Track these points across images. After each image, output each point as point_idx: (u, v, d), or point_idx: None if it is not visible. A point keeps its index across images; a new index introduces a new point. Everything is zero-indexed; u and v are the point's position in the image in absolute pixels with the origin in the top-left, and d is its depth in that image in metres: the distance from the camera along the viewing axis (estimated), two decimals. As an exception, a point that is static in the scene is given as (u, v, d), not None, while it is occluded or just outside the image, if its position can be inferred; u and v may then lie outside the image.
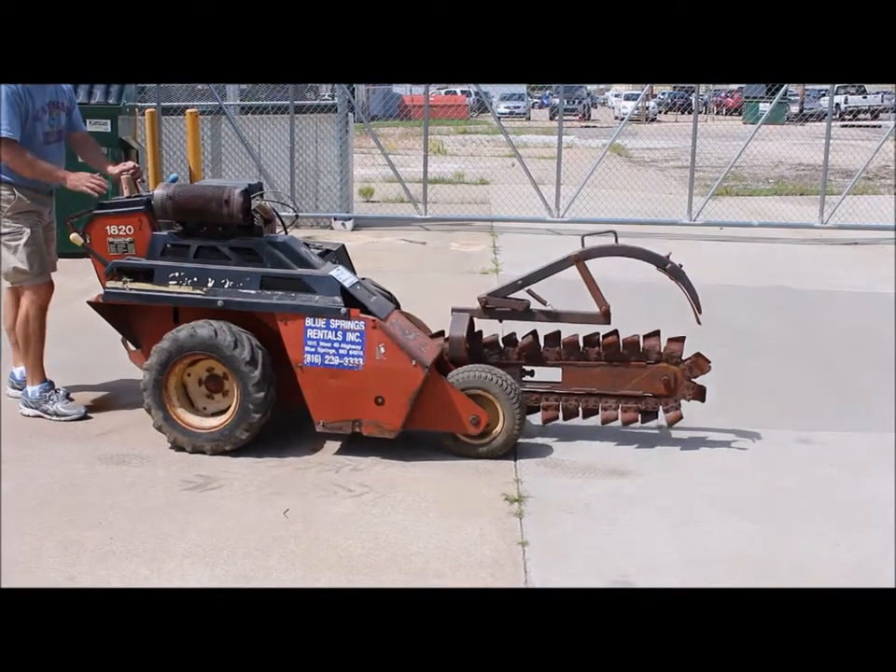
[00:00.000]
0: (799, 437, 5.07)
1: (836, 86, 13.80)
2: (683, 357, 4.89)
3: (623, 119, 17.39)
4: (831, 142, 11.88)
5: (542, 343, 4.98)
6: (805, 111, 30.30)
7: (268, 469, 4.54)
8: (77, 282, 6.96)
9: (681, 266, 5.03)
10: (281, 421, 4.83)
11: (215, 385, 4.71)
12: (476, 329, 5.04)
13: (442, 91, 34.81)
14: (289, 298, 4.57)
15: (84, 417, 5.15)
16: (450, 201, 12.94)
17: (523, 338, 5.01)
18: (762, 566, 3.72)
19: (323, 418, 4.63)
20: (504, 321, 5.15)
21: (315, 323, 4.53)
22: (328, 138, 11.94)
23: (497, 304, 4.97)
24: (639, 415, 4.89)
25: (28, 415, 5.18)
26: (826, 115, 12.98)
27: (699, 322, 5.05)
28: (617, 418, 4.89)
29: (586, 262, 4.99)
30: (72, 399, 5.26)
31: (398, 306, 4.90)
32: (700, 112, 13.29)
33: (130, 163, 5.31)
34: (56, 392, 5.21)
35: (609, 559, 3.76)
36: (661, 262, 5.01)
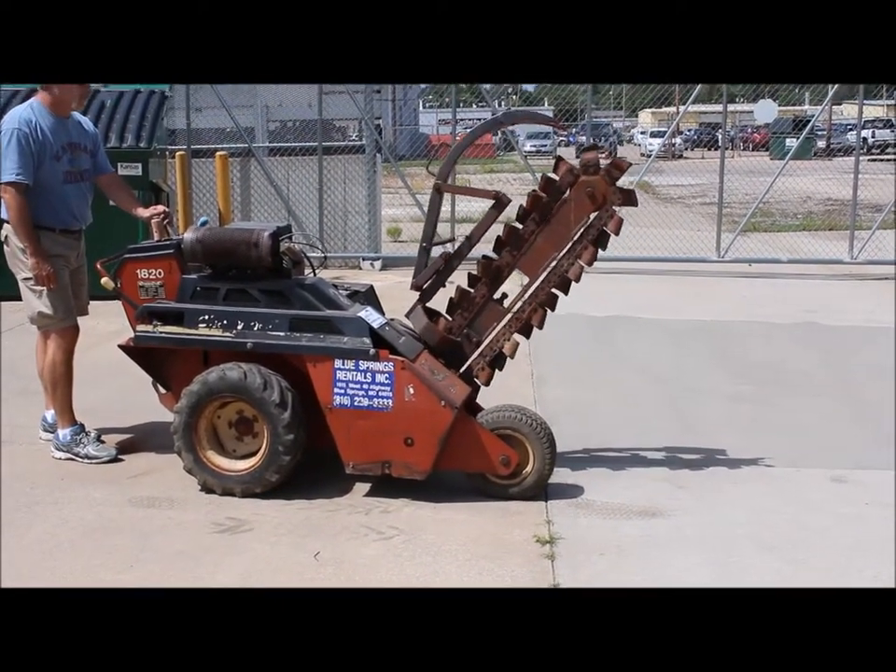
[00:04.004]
0: (833, 475, 5.01)
1: (863, 120, 13.79)
2: (601, 165, 4.64)
3: (649, 156, 17.41)
4: (859, 176, 11.85)
5: (495, 256, 4.79)
6: (832, 146, 30.24)
7: (298, 512, 4.53)
8: (108, 324, 7.04)
9: (510, 108, 4.99)
10: (310, 463, 4.83)
11: (245, 428, 4.72)
12: (441, 310, 4.91)
13: (469, 131, 34.88)
14: (318, 339, 4.58)
15: (115, 460, 5.18)
16: (478, 239, 12.94)
17: (477, 266, 4.81)
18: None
19: (352, 460, 4.63)
20: (447, 284, 4.94)
21: (344, 364, 4.54)
22: (356, 179, 12.06)
23: (426, 278, 4.83)
24: (594, 248, 4.67)
25: (60, 458, 5.20)
26: (854, 149, 12.95)
27: (563, 128, 5.03)
28: (582, 267, 4.69)
29: (446, 181, 4.85)
30: (103, 442, 5.28)
31: (426, 346, 4.90)
32: (726, 148, 13.30)
33: (160, 207, 5.37)
34: (87, 435, 5.24)
35: (641, 602, 3.71)
36: (495, 123, 4.93)
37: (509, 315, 4.80)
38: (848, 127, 34.48)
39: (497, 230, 4.79)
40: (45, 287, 5.07)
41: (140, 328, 4.79)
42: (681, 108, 17.00)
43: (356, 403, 4.55)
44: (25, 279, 5.13)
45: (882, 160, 27.46)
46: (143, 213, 5.33)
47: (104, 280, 4.93)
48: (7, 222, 5.09)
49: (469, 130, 5.55)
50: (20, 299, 5.29)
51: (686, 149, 35.27)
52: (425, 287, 4.84)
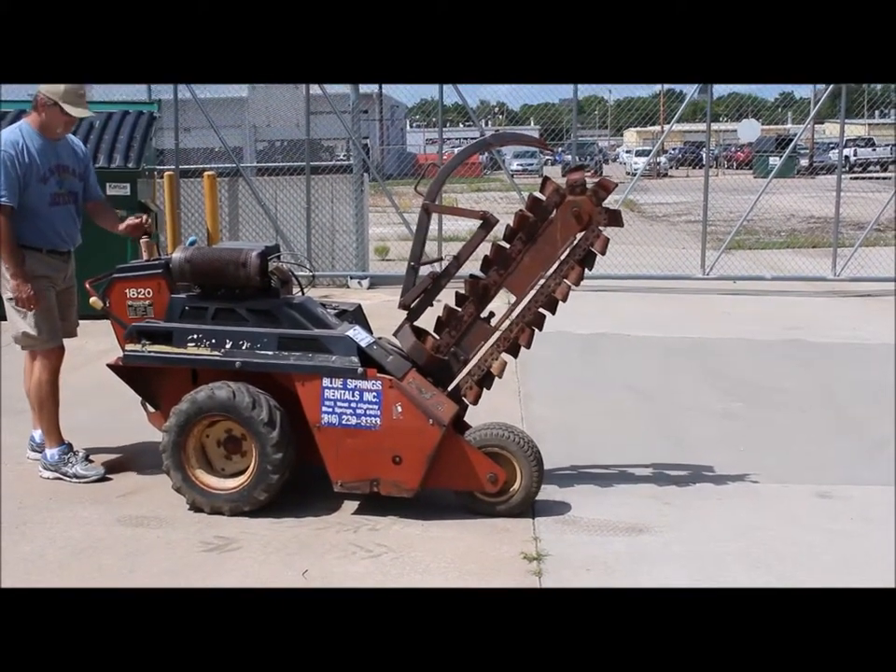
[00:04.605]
0: (818, 491, 5.05)
1: (845, 139, 13.90)
2: (588, 186, 4.65)
3: (634, 175, 17.50)
4: (841, 194, 11.95)
5: (483, 276, 4.80)
6: (814, 164, 30.44)
7: (286, 530, 4.54)
8: (97, 344, 7.04)
9: (498, 129, 4.97)
10: (299, 480, 4.84)
11: (233, 446, 4.73)
12: (428, 329, 4.94)
13: (456, 150, 34.98)
14: (306, 358, 4.60)
15: (103, 479, 5.18)
16: (464, 258, 12.98)
17: (465, 285, 4.82)
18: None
19: (341, 478, 4.64)
20: (434, 303, 4.95)
21: (332, 383, 4.55)
22: (343, 198, 12.10)
23: (413, 297, 4.85)
24: (581, 267, 4.70)
25: (48, 478, 5.20)
26: (836, 167, 13.06)
27: (549, 148, 5.21)
28: (569, 287, 4.72)
29: (434, 201, 4.86)
30: (91, 461, 5.28)
31: (414, 365, 4.91)
32: (711, 166, 13.39)
33: (138, 220, 5.33)
34: (75, 454, 5.23)
35: (629, 617, 3.73)
36: (484, 144, 4.95)
37: (496, 335, 4.83)
38: (831, 146, 34.70)
39: (484, 249, 4.82)
40: (18, 305, 5.07)
41: (129, 347, 4.80)
42: (666, 127, 17.13)
43: (344, 422, 4.57)
44: (10, 298, 5.14)
45: (864, 178, 27.68)
46: (121, 227, 5.33)
47: (92, 299, 4.94)
48: None
49: (455, 149, 5.58)
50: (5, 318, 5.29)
51: (671, 168, 35.42)
52: (412, 305, 4.87)
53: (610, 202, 5.29)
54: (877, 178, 28.43)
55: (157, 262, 5.01)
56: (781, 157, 14.28)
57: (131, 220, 5.33)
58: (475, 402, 4.86)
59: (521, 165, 37.46)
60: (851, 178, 25.77)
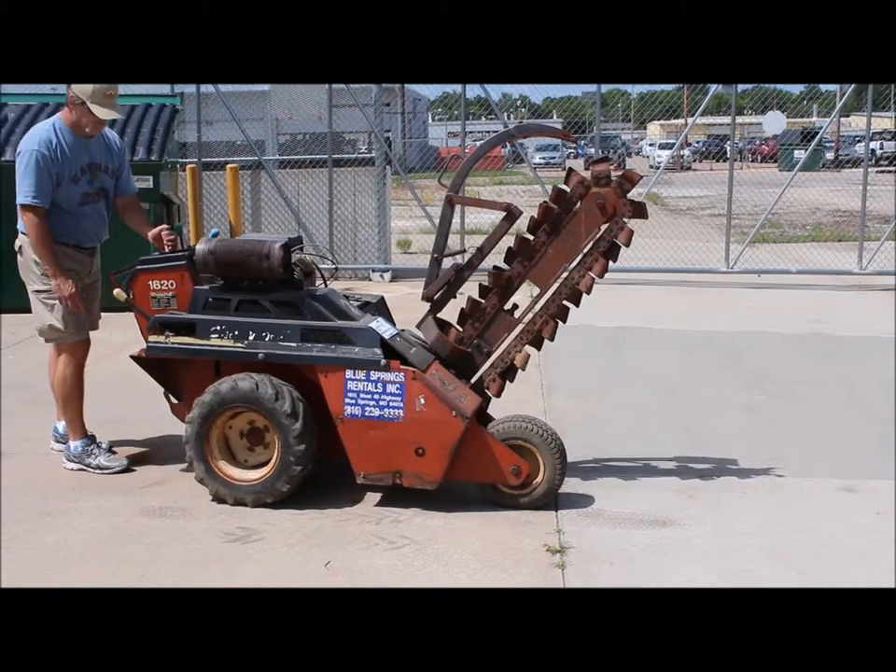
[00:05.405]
0: (843, 485, 5.01)
1: (872, 132, 13.73)
2: (612, 177, 4.63)
3: (658, 168, 17.42)
4: (868, 188, 11.85)
5: (507, 267, 4.78)
6: (840, 157, 30.21)
7: (309, 521, 4.55)
8: (121, 335, 7.06)
9: (521, 121, 4.93)
10: (321, 472, 4.84)
11: (256, 438, 4.74)
12: (452, 321, 4.92)
13: (478, 143, 34.86)
14: (329, 350, 4.60)
15: (127, 470, 5.20)
16: (487, 251, 12.97)
17: (489, 277, 4.80)
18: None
19: (363, 470, 4.64)
20: (458, 295, 4.94)
21: (355, 375, 4.55)
22: (365, 191, 12.11)
23: (436, 289, 4.83)
24: (605, 259, 4.67)
25: (71, 469, 5.23)
26: (862, 160, 12.95)
27: (573, 140, 5.29)
28: (593, 279, 4.70)
29: (458, 193, 4.84)
30: (115, 452, 5.30)
31: (437, 357, 4.90)
32: (735, 160, 13.31)
33: (164, 228, 5.33)
34: (98, 446, 5.25)
35: (652, 611, 3.71)
36: (507, 135, 4.95)
37: (520, 327, 4.81)
38: (856, 139, 34.49)
39: (508, 241, 4.81)
40: (60, 303, 5.07)
41: (152, 338, 4.82)
42: (690, 120, 17.04)
43: (367, 413, 4.56)
44: (36, 291, 5.14)
45: (890, 171, 27.40)
46: (150, 233, 5.32)
47: (116, 291, 4.95)
48: (24, 234, 5.11)
49: (478, 142, 5.56)
50: (21, 311, 5.29)
51: (695, 161, 35.26)
52: (436, 297, 4.86)
53: (634, 194, 5.24)
54: (904, 172, 28.14)
55: (180, 254, 5.02)
56: (806, 150, 14.14)
57: (160, 233, 5.28)
58: (498, 395, 4.85)
59: (543, 158, 37.37)
60: (877, 172, 25.52)
